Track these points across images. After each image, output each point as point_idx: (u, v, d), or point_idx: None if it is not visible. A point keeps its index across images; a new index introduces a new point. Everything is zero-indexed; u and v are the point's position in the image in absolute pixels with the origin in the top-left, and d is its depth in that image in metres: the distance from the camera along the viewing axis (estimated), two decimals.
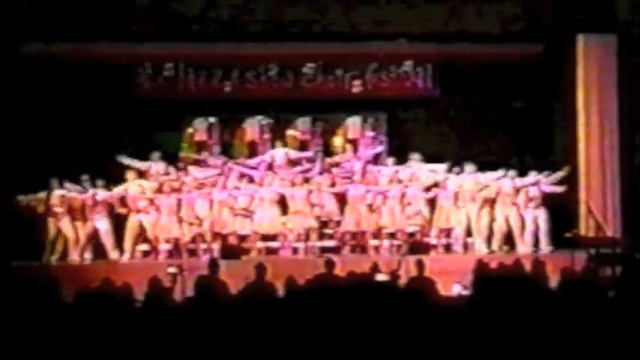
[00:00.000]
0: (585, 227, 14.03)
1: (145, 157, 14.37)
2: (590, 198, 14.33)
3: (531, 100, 14.99)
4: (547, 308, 4.86)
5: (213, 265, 10.09)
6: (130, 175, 14.13)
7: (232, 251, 13.40)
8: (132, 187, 14.05)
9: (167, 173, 14.39)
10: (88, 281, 9.78)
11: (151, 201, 13.97)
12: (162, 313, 5.57)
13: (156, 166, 14.39)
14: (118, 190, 13.99)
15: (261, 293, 7.31)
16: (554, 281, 7.81)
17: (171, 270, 10.64)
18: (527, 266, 9.78)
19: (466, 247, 14.20)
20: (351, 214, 14.19)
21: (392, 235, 14.17)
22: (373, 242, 14.23)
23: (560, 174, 14.20)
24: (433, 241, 14.23)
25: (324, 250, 13.95)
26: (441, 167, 14.44)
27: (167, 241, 13.94)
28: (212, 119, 15.52)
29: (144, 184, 14.11)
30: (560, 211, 14.30)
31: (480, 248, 13.97)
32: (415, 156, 14.61)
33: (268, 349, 4.71)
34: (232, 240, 14.08)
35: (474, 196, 14.09)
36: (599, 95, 14.59)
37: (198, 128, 15.47)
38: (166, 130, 15.01)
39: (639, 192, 14.42)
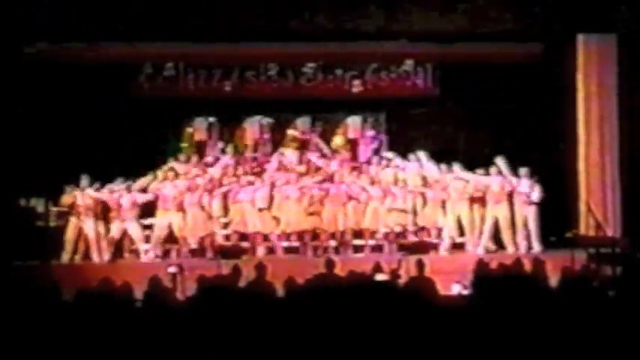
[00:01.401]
0: (585, 227, 14.03)
1: (145, 157, 14.37)
2: (590, 197, 14.34)
3: (531, 100, 14.97)
4: (547, 308, 4.87)
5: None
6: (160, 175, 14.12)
7: (232, 251, 13.39)
8: (166, 187, 14.03)
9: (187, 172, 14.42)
10: (88, 281, 9.78)
11: (179, 200, 13.97)
12: (163, 313, 5.57)
13: (178, 165, 14.45)
14: (149, 191, 14.02)
15: (261, 293, 7.31)
16: (554, 281, 7.82)
17: (172, 270, 10.64)
18: (527, 266, 9.77)
19: (456, 246, 14.18)
20: (329, 213, 14.15)
21: (373, 235, 14.17)
22: (357, 242, 14.26)
23: (537, 195, 14.10)
24: (433, 240, 14.22)
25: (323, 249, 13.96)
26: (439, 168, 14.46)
27: (196, 240, 13.95)
28: (212, 119, 15.55)
29: (177, 183, 14.08)
30: (560, 210, 14.30)
31: (471, 248, 13.97)
32: (421, 154, 14.59)
33: (268, 349, 4.71)
34: (233, 239, 14.11)
35: (463, 196, 14.09)
36: (599, 95, 14.59)
37: (198, 128, 15.49)
38: (166, 130, 15.02)
39: (639, 192, 14.41)
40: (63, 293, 6.02)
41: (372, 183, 14.37)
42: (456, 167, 14.24)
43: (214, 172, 14.54)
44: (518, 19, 14.39)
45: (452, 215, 14.13)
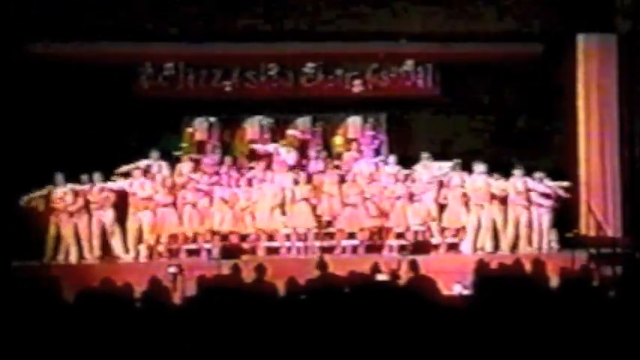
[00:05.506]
0: (586, 227, 14.03)
1: (145, 157, 14.36)
2: (591, 197, 14.34)
3: (531, 100, 14.98)
4: (547, 308, 4.86)
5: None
6: (135, 173, 14.09)
7: (232, 251, 13.38)
8: (135, 184, 14.01)
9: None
10: (88, 281, 9.79)
11: (152, 199, 13.95)
12: (163, 313, 5.57)
13: (156, 164, 14.40)
14: (121, 183, 13.97)
15: (261, 293, 7.31)
16: (554, 281, 7.82)
17: (172, 270, 10.64)
18: (528, 266, 9.77)
19: (473, 246, 14.15)
20: (344, 213, 14.14)
21: (399, 235, 14.13)
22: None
23: (564, 184, 14.11)
24: (437, 240, 14.15)
25: (323, 249, 13.93)
26: (446, 165, 14.40)
27: (168, 239, 13.92)
28: (212, 119, 15.55)
29: (147, 182, 14.06)
30: (561, 210, 14.30)
31: (487, 248, 13.95)
32: (425, 155, 14.57)
33: (269, 349, 4.71)
34: (233, 239, 14.08)
35: (483, 197, 14.03)
36: (599, 95, 14.60)
37: (198, 128, 15.49)
38: (166, 130, 15.03)
39: (639, 191, 14.42)
40: (63, 293, 6.02)
41: (395, 182, 14.30)
42: (480, 168, 14.15)
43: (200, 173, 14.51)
44: (518, 19, 14.39)
45: (474, 216, 14.07)
